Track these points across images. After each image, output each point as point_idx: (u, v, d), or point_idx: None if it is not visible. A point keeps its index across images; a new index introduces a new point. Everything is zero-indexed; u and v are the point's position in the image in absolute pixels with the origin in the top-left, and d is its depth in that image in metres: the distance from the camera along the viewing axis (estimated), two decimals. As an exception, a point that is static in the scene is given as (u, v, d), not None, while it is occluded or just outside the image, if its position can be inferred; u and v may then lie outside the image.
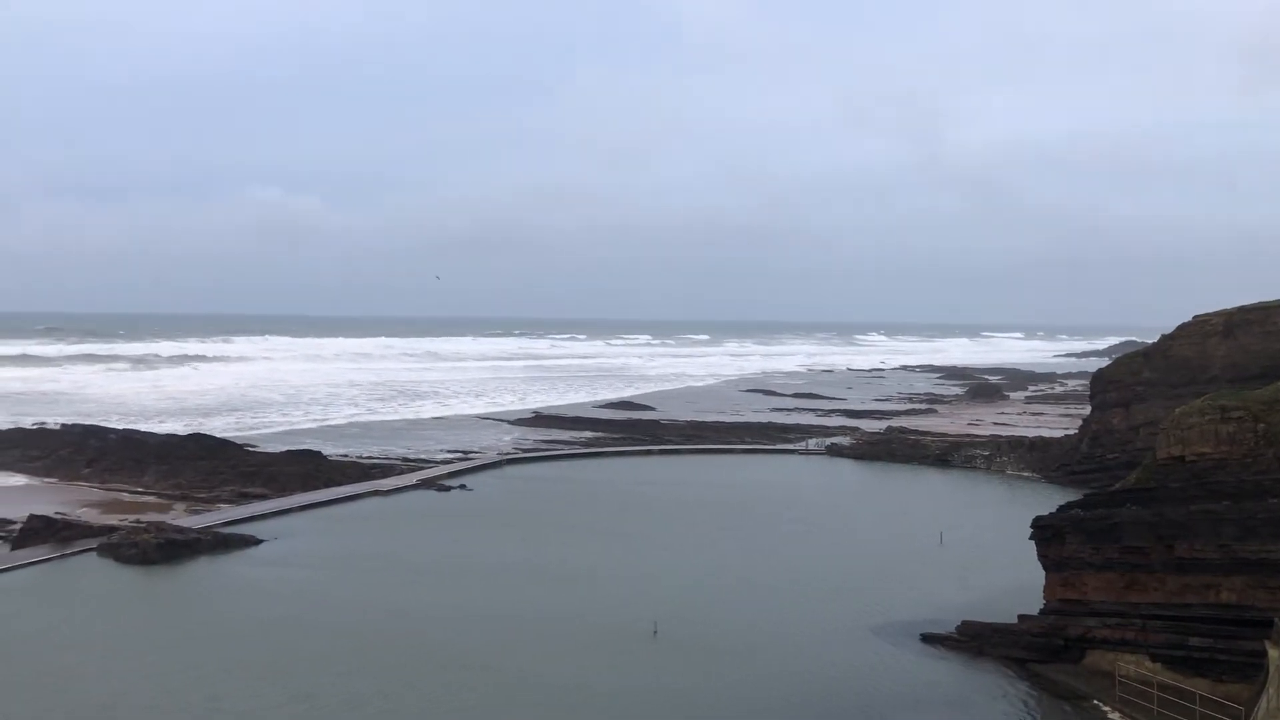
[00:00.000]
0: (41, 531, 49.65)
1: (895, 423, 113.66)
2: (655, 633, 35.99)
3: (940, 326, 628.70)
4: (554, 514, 58.96)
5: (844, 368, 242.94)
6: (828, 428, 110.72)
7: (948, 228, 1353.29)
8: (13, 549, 48.68)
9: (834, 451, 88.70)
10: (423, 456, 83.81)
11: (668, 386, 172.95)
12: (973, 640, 36.04)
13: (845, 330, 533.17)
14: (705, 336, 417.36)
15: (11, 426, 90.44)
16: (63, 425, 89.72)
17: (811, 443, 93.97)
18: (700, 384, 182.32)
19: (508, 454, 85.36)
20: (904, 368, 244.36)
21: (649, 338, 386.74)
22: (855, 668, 33.86)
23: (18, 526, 51.89)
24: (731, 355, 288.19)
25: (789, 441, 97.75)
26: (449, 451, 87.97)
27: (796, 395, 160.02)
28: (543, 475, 73.56)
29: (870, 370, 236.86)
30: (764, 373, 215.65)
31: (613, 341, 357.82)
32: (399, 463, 79.48)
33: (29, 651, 33.51)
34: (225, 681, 30.77)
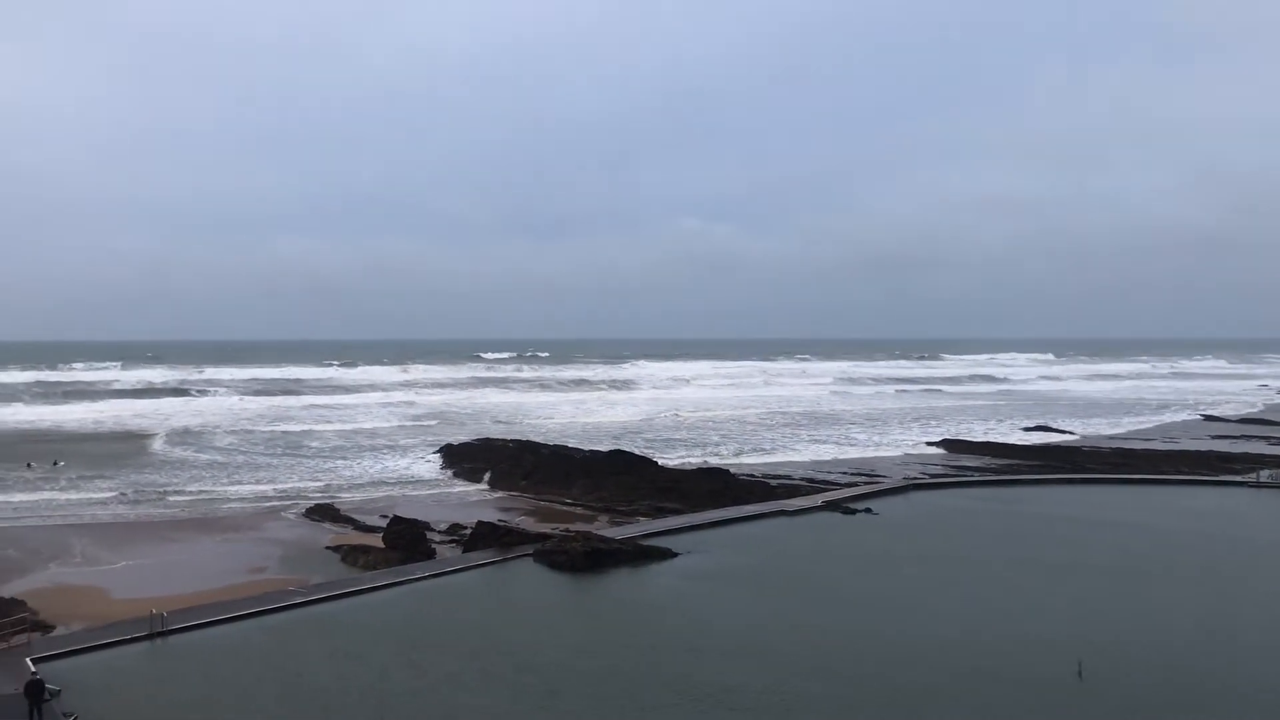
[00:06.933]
0: (487, 536, 54.88)
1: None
2: (1080, 675, 33.10)
3: None
4: (963, 543, 56.05)
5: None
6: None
7: None
8: (463, 551, 54.34)
9: (1292, 484, 77.56)
10: (827, 478, 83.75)
11: (1123, 416, 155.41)
12: None
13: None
14: (1213, 358, 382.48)
15: (462, 442, 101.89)
16: (503, 441, 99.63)
17: (1264, 474, 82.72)
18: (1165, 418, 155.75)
19: (914, 479, 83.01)
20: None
21: (1152, 359, 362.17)
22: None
23: (468, 531, 58.06)
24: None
25: (1234, 472, 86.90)
26: (853, 474, 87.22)
27: (1243, 421, 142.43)
28: (951, 503, 70.50)
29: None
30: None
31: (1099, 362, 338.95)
32: (803, 484, 79.90)
33: (477, 641, 36.89)
34: (652, 689, 32.10)
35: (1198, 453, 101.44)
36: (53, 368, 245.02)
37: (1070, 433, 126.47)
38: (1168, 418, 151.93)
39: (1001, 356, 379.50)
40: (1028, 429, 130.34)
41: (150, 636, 37.06)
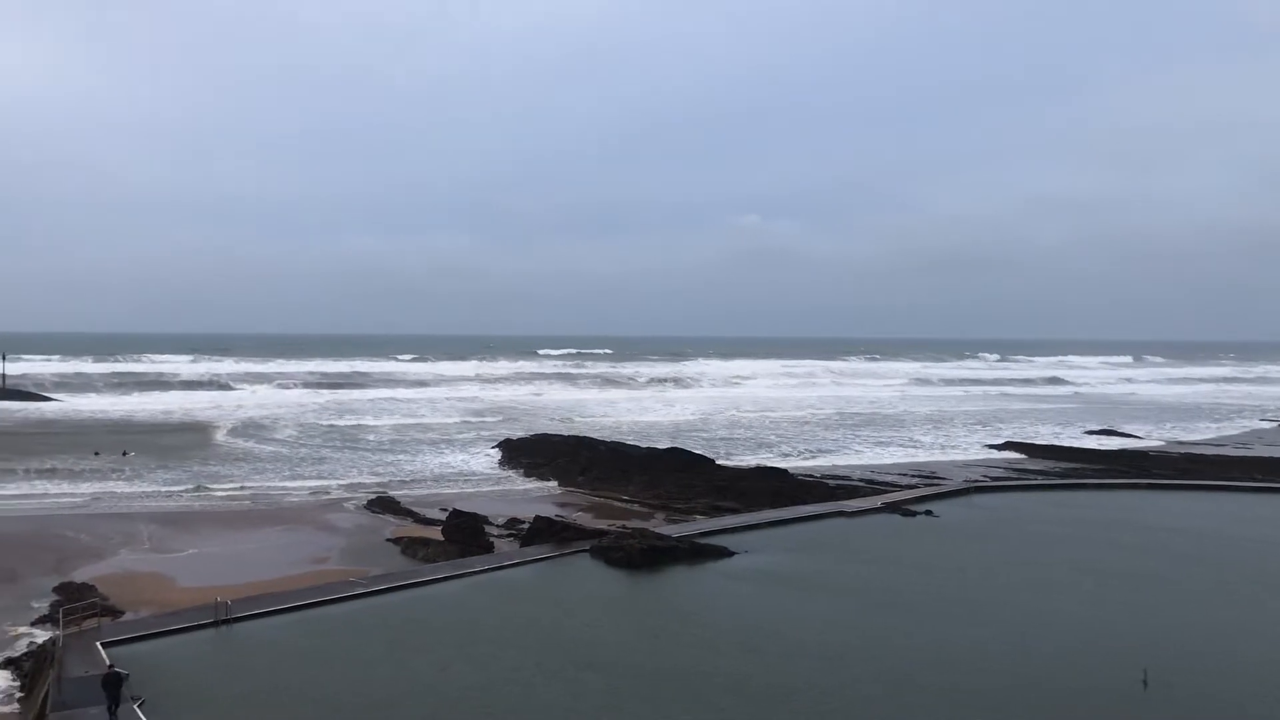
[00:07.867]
0: (544, 531, 55.04)
1: None
2: (1144, 684, 32.22)
3: None
4: (1024, 547, 54.90)
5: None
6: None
7: None
8: (521, 545, 54.61)
9: (1374, 493, 74.98)
10: (887, 479, 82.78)
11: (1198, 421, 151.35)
12: None
13: None
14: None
15: (520, 438, 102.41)
16: (561, 437, 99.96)
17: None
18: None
19: (976, 481, 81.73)
20: None
21: (1234, 363, 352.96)
22: None
23: (525, 526, 58.32)
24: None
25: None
26: (913, 475, 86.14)
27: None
28: (1014, 506, 69.21)
29: None
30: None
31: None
32: (862, 485, 79.06)
33: (536, 636, 36.88)
34: (712, 689, 31.88)
35: (1269, 459, 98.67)
36: (126, 359, 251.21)
37: (1137, 436, 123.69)
38: (1245, 423, 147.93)
39: (1073, 359, 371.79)
40: (1092, 432, 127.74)
41: (215, 624, 37.71)
